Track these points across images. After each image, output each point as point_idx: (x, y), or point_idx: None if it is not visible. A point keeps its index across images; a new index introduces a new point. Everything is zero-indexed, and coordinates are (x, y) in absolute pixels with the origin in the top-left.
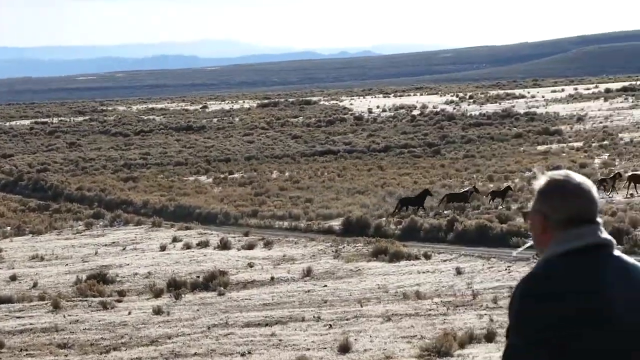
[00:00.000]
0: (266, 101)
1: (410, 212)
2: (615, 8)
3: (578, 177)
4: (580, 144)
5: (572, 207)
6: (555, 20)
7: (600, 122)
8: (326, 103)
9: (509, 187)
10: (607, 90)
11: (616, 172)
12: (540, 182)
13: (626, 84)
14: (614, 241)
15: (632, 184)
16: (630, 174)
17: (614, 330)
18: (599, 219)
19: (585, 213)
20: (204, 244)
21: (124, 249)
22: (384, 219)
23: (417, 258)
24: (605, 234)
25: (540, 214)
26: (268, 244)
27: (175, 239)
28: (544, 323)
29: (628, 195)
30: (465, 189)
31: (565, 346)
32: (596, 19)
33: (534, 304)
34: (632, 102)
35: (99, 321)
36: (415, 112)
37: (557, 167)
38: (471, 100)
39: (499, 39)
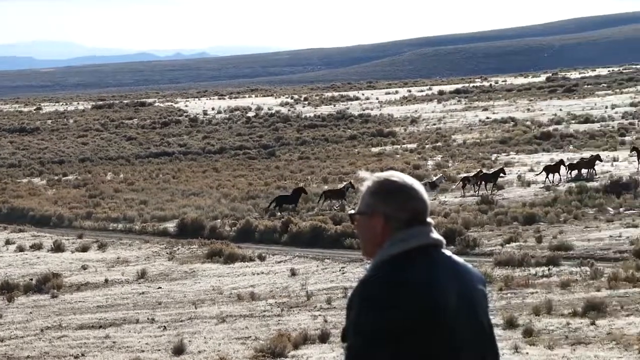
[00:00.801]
0: (101, 103)
1: (288, 210)
2: (448, 11)
3: (408, 178)
4: (414, 145)
5: (413, 207)
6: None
7: (434, 124)
8: (161, 105)
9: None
10: (441, 93)
11: (478, 170)
12: (371, 183)
13: (459, 86)
14: (444, 241)
15: (481, 183)
16: (470, 174)
17: (449, 330)
18: (430, 220)
19: (421, 214)
20: (37, 247)
21: None
22: (219, 221)
23: (251, 260)
24: (436, 234)
25: (379, 214)
26: (102, 246)
27: (8, 242)
28: (384, 324)
29: (462, 196)
30: (342, 185)
31: (404, 346)
32: (430, 22)
33: (373, 305)
34: (465, 104)
35: None
36: (250, 114)
37: (392, 169)
38: (306, 102)
39: (334, 41)
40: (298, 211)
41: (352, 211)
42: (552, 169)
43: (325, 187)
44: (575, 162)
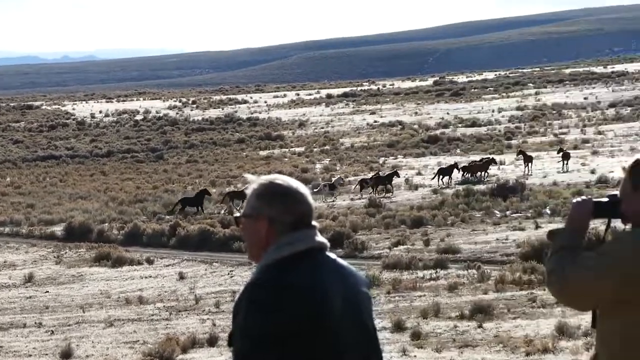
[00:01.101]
0: None
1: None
2: (336, 15)
3: (293, 181)
4: (302, 149)
5: (299, 210)
6: (278, 26)
7: (322, 128)
8: (48, 108)
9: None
10: (329, 96)
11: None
12: (257, 185)
13: (347, 89)
14: (328, 244)
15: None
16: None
17: (333, 333)
18: (315, 223)
19: (307, 217)
20: None
21: None
22: (107, 224)
23: (139, 263)
24: (321, 237)
25: (264, 217)
26: None
27: None
28: (270, 328)
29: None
30: (245, 187)
31: (290, 349)
32: (318, 25)
33: (260, 309)
34: (353, 107)
35: None
36: (138, 117)
37: (280, 172)
38: (194, 106)
39: (222, 44)
40: (202, 213)
41: (238, 214)
42: (445, 171)
43: (228, 189)
44: (469, 164)
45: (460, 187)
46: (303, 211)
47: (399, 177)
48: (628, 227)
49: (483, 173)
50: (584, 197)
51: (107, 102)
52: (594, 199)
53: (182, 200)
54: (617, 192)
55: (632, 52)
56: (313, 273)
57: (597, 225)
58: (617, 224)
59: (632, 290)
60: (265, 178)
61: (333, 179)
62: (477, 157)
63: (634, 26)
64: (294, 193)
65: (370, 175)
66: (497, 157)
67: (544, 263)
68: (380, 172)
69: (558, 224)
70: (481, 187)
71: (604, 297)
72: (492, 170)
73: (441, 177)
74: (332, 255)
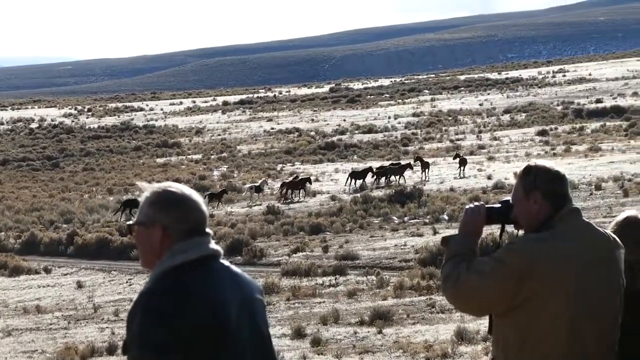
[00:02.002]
0: None
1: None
2: (232, 22)
3: (187, 188)
4: (199, 156)
5: (193, 218)
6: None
7: (219, 135)
8: None
9: (224, 191)
10: (225, 103)
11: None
12: (150, 193)
13: (243, 96)
14: (222, 251)
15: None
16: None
17: (231, 340)
18: (208, 230)
19: (200, 224)
20: None
21: None
22: (3, 233)
23: (37, 272)
24: (215, 245)
25: (158, 225)
26: None
27: None
28: (166, 336)
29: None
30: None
31: (187, 358)
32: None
33: (155, 320)
34: (250, 114)
35: None
36: (34, 125)
37: (177, 180)
38: (90, 113)
39: (117, 51)
40: None
41: (131, 222)
42: (358, 175)
43: (126, 197)
44: (384, 168)
45: (359, 194)
46: (197, 219)
47: (311, 183)
48: (521, 232)
49: (398, 177)
50: (477, 203)
51: (2, 110)
52: (487, 205)
53: (126, 202)
54: (509, 197)
55: (525, 58)
56: (208, 280)
57: (494, 230)
58: (511, 229)
59: (526, 296)
60: (158, 186)
61: (259, 181)
62: (377, 163)
63: (526, 33)
64: (188, 201)
65: (290, 178)
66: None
67: (440, 269)
68: (298, 176)
69: (455, 230)
70: (379, 193)
71: (499, 303)
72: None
73: (353, 180)
74: (226, 263)
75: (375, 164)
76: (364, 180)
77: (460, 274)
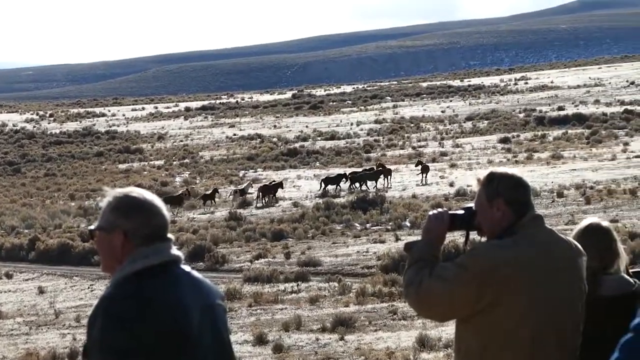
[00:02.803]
0: None
1: None
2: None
3: (148, 194)
4: (161, 162)
5: (153, 223)
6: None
7: (181, 141)
8: None
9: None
10: (187, 109)
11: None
12: (111, 198)
13: (205, 102)
14: (183, 256)
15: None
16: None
17: (193, 345)
18: (170, 236)
19: (163, 230)
20: None
21: None
22: None
23: None
24: (176, 250)
25: (119, 230)
26: None
27: None
28: (127, 342)
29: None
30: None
31: None
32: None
33: (116, 325)
34: (212, 120)
35: None
36: None
37: (139, 185)
38: (51, 119)
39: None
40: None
41: (92, 227)
42: (331, 180)
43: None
44: (358, 174)
45: (321, 200)
46: (158, 224)
47: (282, 188)
48: (484, 239)
49: (375, 183)
50: (440, 210)
51: None
52: (450, 212)
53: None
54: (473, 204)
55: (487, 65)
56: (169, 286)
57: (456, 237)
58: (475, 236)
59: (488, 302)
60: (120, 191)
61: (243, 185)
62: (339, 171)
63: (488, 40)
64: (150, 206)
65: (271, 182)
66: (358, 171)
67: (403, 275)
68: (274, 181)
69: (417, 236)
70: (341, 200)
71: (461, 308)
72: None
73: (326, 185)
74: (187, 268)
75: (339, 171)
76: (337, 186)
77: (422, 279)
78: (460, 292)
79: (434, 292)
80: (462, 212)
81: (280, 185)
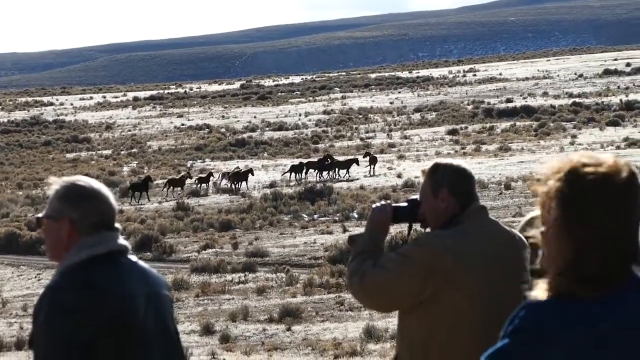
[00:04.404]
0: None
1: None
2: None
3: (96, 183)
4: (109, 152)
5: (101, 211)
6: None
7: (129, 130)
8: None
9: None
10: (136, 99)
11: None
12: (58, 187)
13: (154, 92)
14: (130, 246)
15: (172, 187)
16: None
17: (138, 335)
18: (117, 225)
19: (110, 219)
20: None
21: None
22: None
23: None
24: (122, 240)
25: (66, 219)
26: None
27: None
28: (73, 330)
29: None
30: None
31: (94, 352)
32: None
33: (62, 311)
34: (160, 110)
35: None
36: None
37: (87, 175)
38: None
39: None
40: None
41: (40, 215)
42: (297, 168)
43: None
44: (325, 162)
45: (268, 191)
46: (105, 213)
47: (253, 175)
48: (429, 229)
49: (347, 171)
50: (383, 202)
51: None
52: (394, 204)
53: (131, 186)
54: (416, 196)
55: (436, 57)
56: (115, 275)
57: (403, 229)
58: (419, 227)
59: (432, 292)
60: (67, 179)
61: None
62: (288, 162)
63: (437, 32)
64: (97, 195)
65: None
66: (304, 162)
67: (347, 267)
68: (238, 168)
69: (362, 228)
70: (289, 190)
71: (405, 298)
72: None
73: (293, 174)
74: (134, 258)
75: (291, 161)
76: (306, 174)
77: (366, 270)
78: (403, 282)
79: (377, 282)
80: (405, 204)
81: (250, 172)
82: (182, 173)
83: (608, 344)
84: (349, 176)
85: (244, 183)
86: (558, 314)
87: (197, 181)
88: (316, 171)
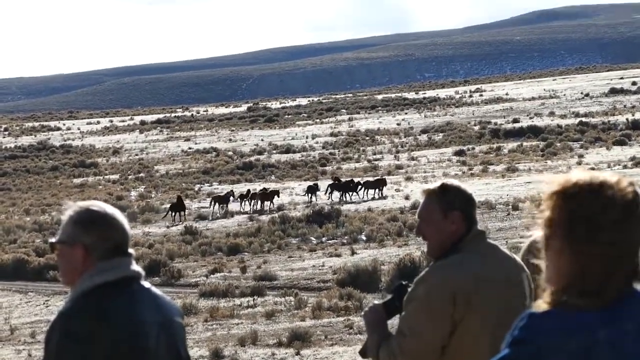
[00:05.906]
0: None
1: None
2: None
3: (110, 208)
4: (116, 176)
5: (115, 237)
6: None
7: (136, 155)
8: None
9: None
10: (142, 123)
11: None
12: (72, 211)
13: (161, 116)
14: (143, 272)
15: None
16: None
17: None
18: (131, 251)
19: (123, 244)
20: None
21: None
22: None
23: None
24: (136, 266)
25: (80, 244)
26: None
27: None
28: (85, 358)
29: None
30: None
31: None
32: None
33: (74, 339)
34: (167, 134)
35: None
36: None
37: (95, 199)
38: (6, 133)
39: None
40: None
41: (53, 240)
42: (313, 189)
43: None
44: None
45: (277, 214)
46: (119, 239)
47: (279, 197)
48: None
49: (379, 191)
50: (371, 305)
51: None
52: (382, 302)
53: (171, 206)
54: (403, 281)
55: (442, 77)
56: (128, 302)
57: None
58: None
59: (454, 322)
60: (81, 204)
61: (223, 192)
62: (294, 185)
63: (443, 52)
64: (110, 220)
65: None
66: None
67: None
68: (267, 189)
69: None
70: (297, 213)
71: (440, 341)
72: (301, 197)
73: (310, 194)
74: (147, 285)
75: (299, 184)
76: (315, 195)
77: (393, 348)
78: (432, 328)
79: (410, 349)
80: (390, 296)
81: (277, 193)
82: (227, 191)
83: (607, 354)
84: (381, 194)
85: (267, 202)
86: (558, 324)
87: (212, 201)
88: (340, 192)
